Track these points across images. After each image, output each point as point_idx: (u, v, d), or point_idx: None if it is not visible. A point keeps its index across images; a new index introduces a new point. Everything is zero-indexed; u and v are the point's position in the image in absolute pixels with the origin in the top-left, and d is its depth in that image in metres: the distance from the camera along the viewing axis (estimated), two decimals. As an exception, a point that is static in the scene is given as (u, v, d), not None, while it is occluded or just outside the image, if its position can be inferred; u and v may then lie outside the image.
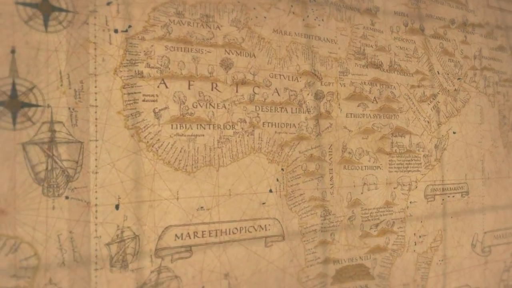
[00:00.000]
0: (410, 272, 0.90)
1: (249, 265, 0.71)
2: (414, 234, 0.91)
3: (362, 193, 0.84)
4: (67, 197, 0.57)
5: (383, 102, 0.87)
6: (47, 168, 0.56)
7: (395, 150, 0.89)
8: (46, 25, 0.56)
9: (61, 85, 0.57)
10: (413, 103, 0.92)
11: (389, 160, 0.88)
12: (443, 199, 0.95)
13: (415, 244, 0.91)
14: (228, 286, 0.69)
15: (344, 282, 0.81)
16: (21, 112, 0.55)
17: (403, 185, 0.90)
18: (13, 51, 0.54)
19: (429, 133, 0.94)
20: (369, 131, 0.85)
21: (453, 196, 0.97)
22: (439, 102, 0.96)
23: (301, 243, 0.76)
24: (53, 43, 0.57)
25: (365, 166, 0.84)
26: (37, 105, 0.56)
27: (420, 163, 0.92)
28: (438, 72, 0.96)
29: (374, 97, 0.86)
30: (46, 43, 0.56)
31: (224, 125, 0.69)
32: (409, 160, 0.91)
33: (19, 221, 0.54)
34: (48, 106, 0.56)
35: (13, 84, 0.54)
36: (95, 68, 0.59)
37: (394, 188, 0.88)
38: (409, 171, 0.91)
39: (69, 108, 0.58)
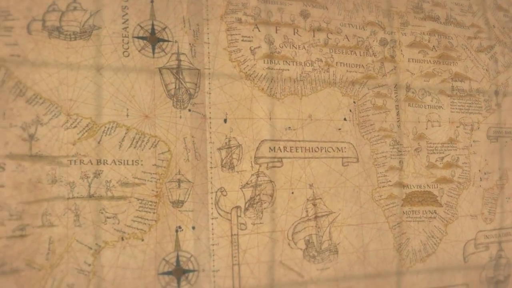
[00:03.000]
0: (477, 205, 0.97)
1: (329, 179, 0.84)
2: (479, 170, 0.98)
3: (426, 128, 0.94)
4: (189, 110, 0.75)
5: (442, 51, 0.98)
6: (175, 87, 0.74)
7: (456, 93, 0.98)
8: (173, -17, 0.76)
9: (184, 27, 0.76)
10: (470, 52, 1.01)
11: (451, 102, 0.97)
12: (506, 141, 1.02)
13: (481, 180, 0.98)
14: (312, 194, 0.82)
15: (414, 205, 0.91)
16: (158, 45, 0.74)
17: (466, 125, 0.98)
18: (152, 1, 0.74)
19: (488, 80, 1.02)
20: (430, 74, 0.96)
21: (517, 140, 1.03)
22: (496, 53, 1.04)
23: (373, 166, 0.88)
24: (178, -4, 0.76)
25: (428, 105, 0.95)
26: (168, 40, 0.75)
27: (481, 107, 1.01)
28: (493, 26, 1.05)
29: (433, 46, 0.97)
30: (174, -5, 0.76)
31: (304, 62, 0.84)
32: (469, 103, 1.00)
33: (157, 124, 0.73)
34: (176, 41, 0.75)
35: (152, 25, 0.74)
36: (207, 15, 0.78)
37: (457, 127, 0.97)
38: (471, 113, 0.99)
39: (189, 44, 0.76)
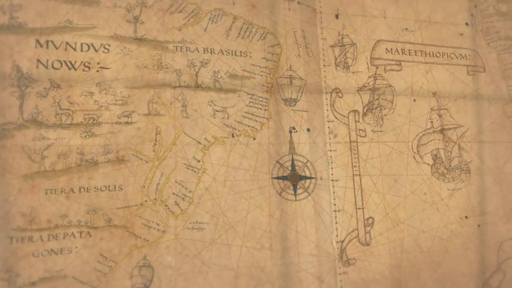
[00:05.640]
0: None
1: (453, 89, 0.72)
2: None
3: (558, 40, 0.81)
4: (298, 2, 0.67)
5: None
6: (282, -22, 0.67)
7: None
8: None
9: None
10: None
11: None
12: None
13: None
14: (436, 103, 0.71)
15: (553, 126, 0.77)
16: None
17: None
18: None
19: None
20: (557, -18, 0.83)
21: None
22: None
23: (502, 78, 0.76)
24: None
25: (558, 15, 0.82)
26: None
27: None
28: None
29: (558, -48, 0.85)
30: None
31: (418, -40, 0.75)
32: None
33: (265, 15, 0.65)
34: None
35: None
36: None
37: None
38: None
39: None
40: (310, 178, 0.62)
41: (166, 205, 0.55)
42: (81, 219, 0.52)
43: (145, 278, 0.53)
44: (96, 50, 0.57)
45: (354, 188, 0.63)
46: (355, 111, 0.66)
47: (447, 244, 0.66)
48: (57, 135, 0.53)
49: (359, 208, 0.63)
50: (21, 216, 0.50)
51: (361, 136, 0.66)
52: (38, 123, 0.53)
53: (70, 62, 0.55)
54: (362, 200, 0.63)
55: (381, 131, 0.67)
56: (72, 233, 0.51)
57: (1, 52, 0.53)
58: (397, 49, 0.70)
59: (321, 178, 0.62)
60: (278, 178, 0.61)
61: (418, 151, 0.68)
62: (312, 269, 0.59)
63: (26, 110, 0.52)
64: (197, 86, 0.60)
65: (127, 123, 0.56)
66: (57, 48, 0.55)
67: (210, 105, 0.60)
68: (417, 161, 0.68)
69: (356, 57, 0.68)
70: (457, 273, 0.66)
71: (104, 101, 0.56)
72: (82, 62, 0.56)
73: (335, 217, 0.62)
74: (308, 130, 0.63)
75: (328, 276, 0.60)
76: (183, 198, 0.56)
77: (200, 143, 0.59)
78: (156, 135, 0.57)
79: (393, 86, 0.69)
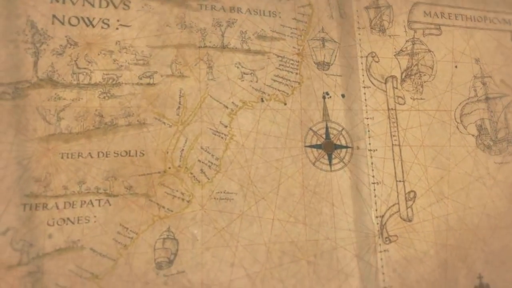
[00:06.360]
0: None
1: (498, 56, 0.67)
2: None
3: None
4: (330, -39, 0.62)
5: None
6: None
7: None
8: None
9: None
10: None
11: None
12: None
13: None
14: (480, 70, 0.65)
15: None
16: None
17: None
18: None
19: None
20: None
21: None
22: None
23: (549, 46, 0.70)
24: None
25: None
26: None
27: None
28: None
29: None
30: None
31: None
32: None
33: (295, -26, 0.61)
34: None
35: None
36: None
37: None
38: None
39: None
40: (346, 147, 0.57)
41: (191, 173, 0.51)
42: (100, 186, 0.48)
43: (169, 252, 0.48)
44: (115, 7, 0.53)
45: (393, 159, 0.58)
46: (392, 76, 0.61)
47: (495, 221, 0.60)
48: (74, 95, 0.49)
49: (400, 181, 0.58)
50: (35, 181, 0.46)
51: (400, 104, 0.60)
52: (53, 82, 0.49)
53: (88, 18, 0.51)
54: (403, 172, 0.58)
55: (421, 98, 0.62)
56: (90, 200, 0.47)
57: (15, 6, 0.49)
58: (435, 12, 0.65)
59: (358, 148, 0.57)
60: (311, 146, 0.56)
61: (461, 121, 0.62)
62: (350, 245, 0.54)
63: (41, 68, 0.48)
64: (224, 47, 0.55)
65: (148, 84, 0.52)
66: (74, 4, 0.51)
67: (238, 67, 0.55)
68: (460, 132, 0.62)
69: (393, 20, 0.63)
70: (507, 253, 0.60)
71: (124, 61, 0.51)
72: (100, 19, 0.52)
73: (374, 190, 0.56)
74: (343, 96, 0.58)
75: (368, 253, 0.54)
76: (209, 166, 0.52)
77: (227, 107, 0.54)
78: (180, 97, 0.52)
79: (432, 51, 0.64)
